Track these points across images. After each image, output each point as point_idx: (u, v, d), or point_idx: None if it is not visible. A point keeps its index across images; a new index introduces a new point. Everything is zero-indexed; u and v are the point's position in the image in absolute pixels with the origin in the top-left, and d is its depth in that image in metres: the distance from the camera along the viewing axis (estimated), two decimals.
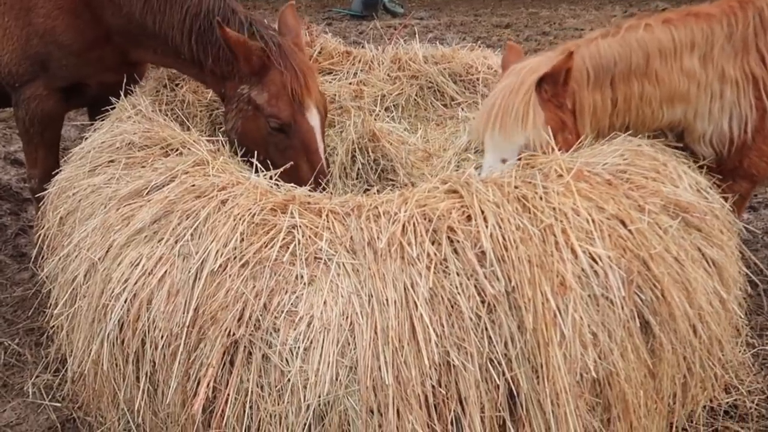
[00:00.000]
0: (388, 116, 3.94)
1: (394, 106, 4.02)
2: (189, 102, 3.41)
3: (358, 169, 2.97)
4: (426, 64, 4.11)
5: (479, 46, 4.39)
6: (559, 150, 2.23)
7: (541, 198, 1.89)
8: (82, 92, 3.26)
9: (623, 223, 1.90)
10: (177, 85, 3.44)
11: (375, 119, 3.26)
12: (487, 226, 1.78)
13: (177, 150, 2.52)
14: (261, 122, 2.77)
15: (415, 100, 4.07)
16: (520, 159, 2.25)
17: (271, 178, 2.31)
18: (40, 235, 2.59)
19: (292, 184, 2.58)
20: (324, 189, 2.75)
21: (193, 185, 2.20)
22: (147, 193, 2.23)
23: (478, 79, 3.94)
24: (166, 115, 3.14)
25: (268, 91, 2.74)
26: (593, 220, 1.86)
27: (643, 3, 16.88)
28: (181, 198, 2.14)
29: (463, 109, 3.94)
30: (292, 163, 2.73)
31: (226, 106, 2.91)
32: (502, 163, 2.37)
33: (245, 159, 2.83)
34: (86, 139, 2.83)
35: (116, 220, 2.18)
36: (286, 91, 2.73)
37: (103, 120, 2.93)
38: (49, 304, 2.47)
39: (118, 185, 2.34)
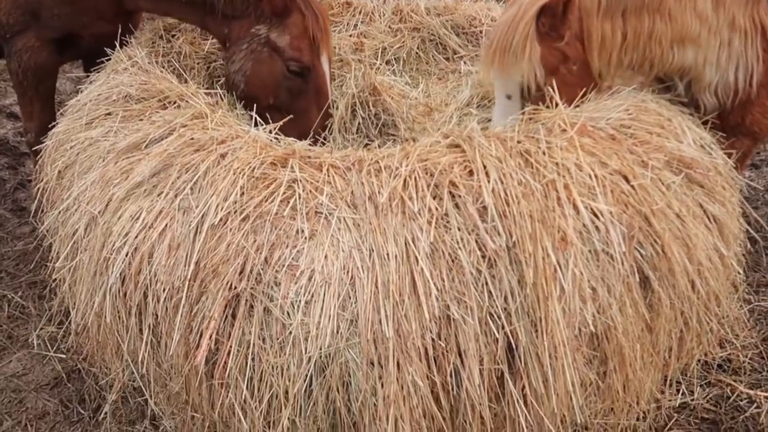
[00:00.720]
0: (389, 69, 3.86)
1: (395, 59, 3.94)
2: (186, 53, 3.33)
3: (359, 123, 2.93)
4: (428, 16, 4.01)
5: None
6: (562, 82, 2.25)
7: (543, 153, 1.87)
8: (76, 44, 3.17)
9: (626, 178, 1.89)
10: (173, 36, 3.36)
11: (376, 73, 3.20)
12: (489, 181, 1.77)
13: (175, 103, 2.48)
14: (277, 65, 2.73)
15: (417, 53, 3.98)
16: (525, 94, 2.27)
17: (270, 131, 2.28)
18: (38, 188, 2.58)
19: (293, 138, 2.60)
20: (327, 136, 2.77)
21: (192, 138, 2.17)
22: (145, 147, 2.21)
23: (481, 32, 3.84)
24: (163, 67, 3.07)
25: (290, 34, 2.71)
26: (596, 176, 1.84)
27: None
28: (180, 152, 2.11)
29: (465, 63, 3.87)
30: (291, 116, 2.72)
31: (231, 47, 2.83)
32: (508, 99, 2.36)
33: (246, 106, 2.83)
34: (82, 91, 2.78)
35: (115, 173, 2.16)
36: (307, 34, 2.71)
37: (98, 72, 2.87)
38: (50, 258, 2.48)
39: (116, 138, 2.31)
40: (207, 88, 3.50)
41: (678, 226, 1.91)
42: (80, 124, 2.51)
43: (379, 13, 4.08)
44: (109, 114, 2.48)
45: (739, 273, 2.27)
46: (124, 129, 2.34)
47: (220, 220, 1.86)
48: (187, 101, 2.47)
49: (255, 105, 2.83)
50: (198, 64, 3.41)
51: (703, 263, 1.99)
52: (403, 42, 3.97)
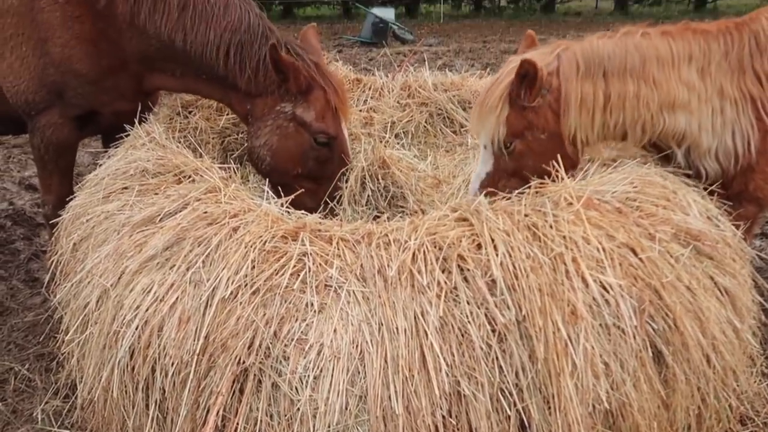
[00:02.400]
0: (398, 143, 3.98)
1: (403, 132, 4.07)
2: (201, 129, 3.46)
3: (368, 195, 2.99)
4: (435, 92, 4.17)
5: (488, 73, 4.44)
6: (526, 147, 2.44)
7: (551, 226, 1.89)
8: (96, 120, 3.31)
9: (634, 251, 1.90)
10: (190, 112, 3.50)
11: (385, 146, 3.29)
12: (497, 255, 1.78)
13: (190, 177, 2.55)
14: (304, 137, 2.89)
15: (425, 126, 4.12)
16: (502, 147, 2.47)
17: (282, 205, 2.33)
18: (53, 260, 2.62)
19: (311, 205, 2.70)
20: (337, 207, 2.87)
21: (206, 212, 2.22)
22: (160, 220, 2.26)
23: None
24: (179, 143, 3.19)
25: (314, 108, 2.88)
26: (604, 249, 1.86)
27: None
28: (193, 225, 2.16)
29: (472, 136, 3.97)
30: (312, 185, 2.92)
31: (255, 123, 2.97)
32: (485, 149, 2.59)
33: (270, 177, 2.99)
34: (100, 165, 2.88)
35: (129, 246, 2.20)
36: (330, 106, 2.89)
37: (116, 147, 2.98)
38: (60, 330, 2.48)
39: (132, 212, 2.37)
40: (221, 162, 3.62)
41: (689, 299, 1.90)
42: (97, 197, 2.58)
43: (388, 88, 4.25)
44: (125, 188, 2.55)
45: (755, 346, 2.23)
46: (139, 203, 2.40)
47: (231, 293, 1.87)
48: (201, 175, 2.54)
49: (280, 176, 2.98)
50: (213, 138, 3.53)
51: (717, 337, 1.96)
52: (412, 116, 4.11)
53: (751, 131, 2.47)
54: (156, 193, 2.47)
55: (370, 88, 4.24)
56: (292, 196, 2.46)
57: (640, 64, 2.38)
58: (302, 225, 2.07)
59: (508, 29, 18.46)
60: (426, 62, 4.95)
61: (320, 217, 2.34)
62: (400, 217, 3.00)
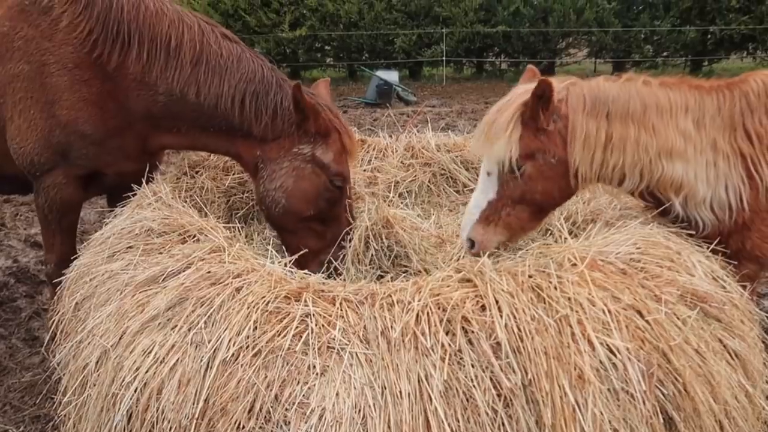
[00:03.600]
0: (401, 202, 4.02)
1: (407, 192, 4.11)
2: (208, 188, 3.50)
3: (372, 255, 2.99)
4: (438, 152, 4.23)
5: None
6: (537, 171, 2.41)
7: (555, 288, 1.88)
8: (100, 181, 3.36)
9: (640, 313, 1.88)
10: (197, 172, 3.55)
11: (389, 205, 3.32)
12: (501, 317, 1.77)
13: (194, 237, 2.57)
14: (321, 179, 2.96)
15: (428, 186, 4.16)
16: (505, 173, 2.43)
17: (285, 265, 2.33)
18: (54, 320, 2.60)
19: (306, 270, 2.69)
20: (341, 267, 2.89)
21: (209, 272, 2.22)
22: (163, 280, 2.26)
23: None
24: (185, 202, 3.22)
25: (333, 150, 2.97)
26: (609, 311, 1.84)
27: None
28: (196, 285, 2.15)
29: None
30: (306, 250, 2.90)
31: (267, 167, 3.02)
32: (488, 176, 2.53)
33: (280, 221, 3.05)
34: (107, 224, 2.90)
35: (131, 306, 2.19)
36: (345, 150, 3.00)
37: (122, 207, 3.01)
38: (58, 392, 2.44)
39: (135, 271, 2.37)
40: (226, 221, 3.65)
41: (698, 363, 1.87)
42: (102, 257, 2.58)
43: (392, 149, 4.32)
44: (130, 247, 2.57)
45: None
46: (143, 262, 2.41)
47: (232, 355, 1.85)
48: (206, 235, 2.56)
49: (292, 219, 3.01)
50: (218, 198, 3.57)
51: (730, 402, 1.91)
52: (415, 176, 4.16)
53: (743, 187, 2.50)
54: (160, 253, 2.48)
55: (374, 149, 4.31)
56: (296, 256, 2.48)
57: (641, 109, 2.42)
58: (305, 285, 2.07)
59: (508, 91, 18.81)
60: (429, 123, 5.05)
61: (324, 277, 2.34)
62: (404, 277, 2.99)
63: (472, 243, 2.58)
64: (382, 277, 2.91)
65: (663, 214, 2.61)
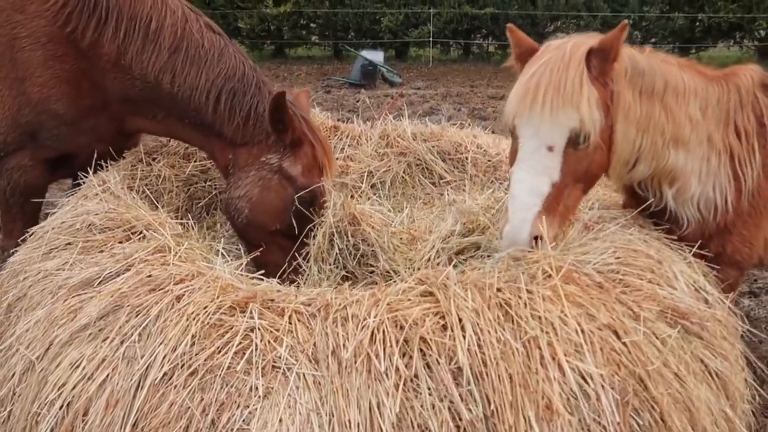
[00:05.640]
0: (374, 193, 3.82)
1: (380, 183, 3.91)
2: (165, 177, 3.28)
3: (336, 254, 2.79)
4: (415, 141, 4.03)
5: (474, 117, 4.32)
6: (601, 143, 2.01)
7: (525, 304, 1.71)
8: (70, 163, 3.11)
9: (616, 333, 1.72)
10: (154, 159, 3.32)
11: (360, 197, 3.11)
12: (464, 338, 1.59)
13: (140, 233, 2.36)
14: (287, 192, 2.78)
15: (403, 177, 3.96)
16: (571, 145, 1.99)
17: (237, 267, 2.14)
18: None
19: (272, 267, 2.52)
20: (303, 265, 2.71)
21: (149, 276, 2.02)
22: (99, 284, 2.05)
23: (467, 159, 3.84)
24: (138, 192, 3.00)
25: (302, 163, 2.79)
26: (583, 331, 1.68)
27: None
28: (133, 291, 1.95)
29: (450, 191, 3.82)
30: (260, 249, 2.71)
31: (235, 173, 2.85)
32: (549, 151, 2.01)
33: (244, 232, 2.86)
34: (49, 216, 2.67)
35: (62, 312, 1.99)
36: (316, 163, 2.81)
37: (68, 196, 2.79)
38: None
39: (71, 272, 2.16)
40: (185, 211, 3.43)
41: (677, 389, 1.72)
42: (38, 254, 2.37)
43: (366, 137, 4.11)
44: (69, 244, 2.35)
45: None
46: (80, 262, 2.20)
47: (165, 374, 1.66)
48: (153, 232, 2.35)
49: (255, 231, 2.82)
50: (177, 187, 3.34)
51: (708, 429, 1.76)
52: (389, 166, 3.96)
53: (728, 187, 2.35)
54: (101, 251, 2.27)
55: (347, 136, 4.09)
56: (250, 256, 2.28)
57: (662, 88, 2.19)
58: (252, 295, 1.87)
59: (495, 75, 18.64)
60: (406, 108, 4.84)
61: (278, 282, 2.15)
62: (370, 278, 2.81)
63: (536, 241, 2.01)
64: (347, 278, 2.73)
65: (643, 211, 2.44)
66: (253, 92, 2.77)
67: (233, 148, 2.82)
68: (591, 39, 2.13)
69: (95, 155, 2.96)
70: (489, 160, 3.72)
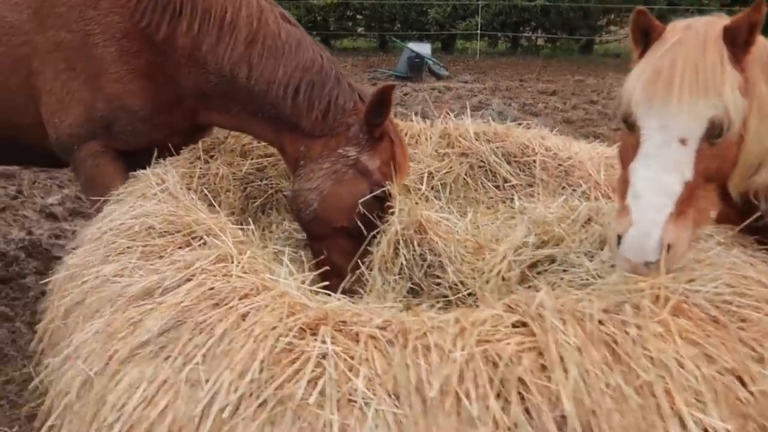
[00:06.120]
0: (434, 195, 3.64)
1: (441, 185, 3.72)
2: (223, 175, 3.17)
3: (402, 263, 2.63)
4: (477, 142, 3.82)
5: (525, 112, 4.07)
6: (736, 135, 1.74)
7: (634, 341, 1.50)
8: (150, 157, 3.02)
9: (741, 380, 1.50)
10: (212, 156, 3.21)
11: (424, 203, 2.93)
12: (568, 381, 1.40)
13: (201, 239, 2.23)
14: (361, 187, 2.67)
15: (464, 179, 3.76)
16: (708, 138, 1.72)
17: (303, 282, 1.99)
18: (42, 325, 2.31)
19: (326, 288, 2.40)
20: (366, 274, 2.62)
21: (212, 288, 1.89)
22: (159, 294, 1.93)
23: (534, 162, 3.61)
24: (197, 192, 2.90)
25: (380, 158, 2.69)
26: (703, 376, 1.46)
27: None
28: (196, 305, 1.83)
29: (516, 193, 3.61)
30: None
31: (308, 164, 2.74)
32: (681, 144, 1.74)
33: (309, 227, 2.74)
34: (104, 216, 2.58)
35: (122, 324, 1.88)
36: (395, 162, 2.71)
37: (123, 195, 2.69)
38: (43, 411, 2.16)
39: (130, 279, 2.05)
40: (241, 211, 3.32)
41: None
42: (96, 256, 2.27)
43: (426, 136, 3.92)
44: (128, 248, 2.25)
45: None
46: (140, 268, 2.09)
47: (232, 404, 1.52)
48: (214, 238, 2.23)
49: (321, 226, 2.70)
50: (234, 185, 3.24)
51: None
52: (451, 167, 3.76)
53: None
54: (161, 257, 2.16)
55: (406, 134, 3.91)
56: (318, 272, 2.15)
57: None
58: (323, 315, 1.72)
59: (545, 69, 18.14)
60: (460, 100, 4.62)
61: (348, 298, 2.00)
62: (436, 288, 2.64)
63: (668, 248, 1.74)
64: (413, 290, 2.56)
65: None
66: (332, 84, 2.67)
67: (307, 140, 2.72)
68: (721, 19, 1.87)
69: (157, 151, 2.89)
70: (560, 165, 3.48)
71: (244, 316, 1.74)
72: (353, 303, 1.99)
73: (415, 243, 2.64)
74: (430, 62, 15.48)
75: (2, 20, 2.95)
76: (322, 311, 1.76)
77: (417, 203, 2.77)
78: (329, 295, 2.02)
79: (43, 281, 4.55)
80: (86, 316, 2.07)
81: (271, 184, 3.48)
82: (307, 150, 2.72)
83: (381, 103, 2.59)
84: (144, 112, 2.88)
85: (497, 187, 3.73)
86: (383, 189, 2.66)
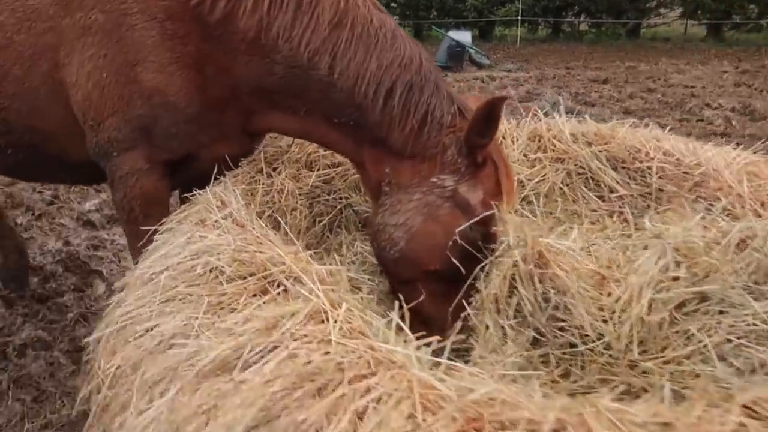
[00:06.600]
0: (525, 209, 3.12)
1: (534, 195, 3.19)
2: (288, 191, 2.70)
3: (517, 303, 2.12)
4: (575, 144, 3.28)
5: (578, 102, 3.47)
6: None
7: None
8: (190, 167, 2.58)
9: None
10: (275, 169, 2.75)
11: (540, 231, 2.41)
12: None
13: (279, 286, 1.77)
14: (458, 224, 2.13)
15: (561, 189, 3.23)
16: None
17: (434, 353, 1.50)
18: (86, 394, 1.87)
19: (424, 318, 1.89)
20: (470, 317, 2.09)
21: (308, 363, 1.42)
22: (239, 369, 1.47)
23: (649, 169, 3.05)
24: (262, 212, 2.44)
25: (483, 189, 2.16)
26: None
27: (754, 59, 15.58)
28: (291, 391, 1.35)
29: (625, 204, 3.06)
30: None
31: (393, 194, 2.23)
32: None
33: (392, 267, 2.26)
34: (157, 248, 2.14)
35: (191, 412, 1.42)
36: (499, 190, 2.19)
37: (177, 221, 2.24)
38: None
39: (197, 342, 1.59)
40: (306, 229, 2.86)
41: None
42: (152, 307, 1.82)
43: (512, 137, 3.39)
44: (190, 295, 1.79)
45: None
46: (208, 327, 1.63)
47: None
48: (294, 282, 1.75)
49: (408, 269, 2.22)
50: (300, 203, 2.76)
51: None
52: (544, 175, 3.23)
53: None
54: (233, 309, 1.70)
55: None
56: (448, 343, 1.64)
57: None
58: (478, 416, 1.22)
59: (591, 55, 17.35)
60: (506, 90, 4.03)
61: (494, 377, 1.50)
62: (560, 336, 2.12)
63: None
64: (537, 341, 2.05)
65: None
66: (432, 91, 2.13)
67: (394, 159, 2.20)
68: None
69: (215, 163, 2.42)
70: (684, 173, 2.92)
71: (361, 415, 1.25)
72: (490, 379, 1.49)
73: (535, 279, 2.13)
74: (471, 51, 14.88)
75: (23, 3, 2.50)
76: (470, 407, 1.27)
77: (534, 228, 2.24)
78: (455, 361, 1.53)
79: (82, 300, 4.20)
80: (142, 389, 1.62)
81: (340, 197, 3.01)
82: (393, 173, 2.21)
83: (488, 119, 2.04)
84: (190, 109, 2.38)
85: (601, 197, 3.18)
86: (487, 227, 2.15)
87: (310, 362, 1.42)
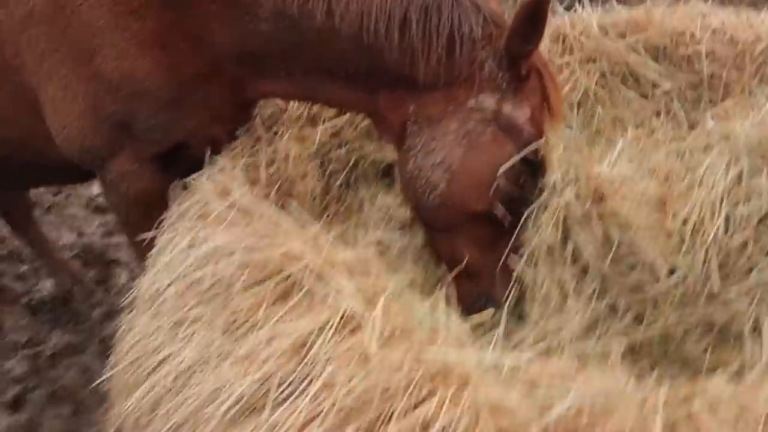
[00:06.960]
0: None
1: (567, 107, 2.82)
2: (294, 156, 2.38)
3: (574, 250, 1.83)
4: (606, 38, 2.84)
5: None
6: None
7: None
8: (185, 155, 2.24)
9: None
10: (276, 133, 2.41)
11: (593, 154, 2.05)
12: None
13: (301, 287, 1.49)
14: (506, 150, 1.84)
15: (596, 93, 2.84)
16: None
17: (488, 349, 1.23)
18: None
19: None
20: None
21: (350, 393, 1.17)
22: (271, 408, 1.23)
23: (698, 53, 2.62)
24: (270, 190, 2.15)
25: (530, 105, 1.86)
26: None
27: None
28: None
29: (673, 100, 2.68)
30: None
31: (423, 131, 1.90)
32: None
33: (432, 217, 1.97)
34: (159, 254, 1.87)
35: None
36: (546, 105, 1.90)
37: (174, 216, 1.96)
38: None
39: (218, 377, 1.36)
40: (323, 192, 2.57)
41: None
42: (162, 332, 1.58)
43: None
44: (201, 315, 1.54)
45: None
46: (226, 356, 1.38)
47: None
48: (318, 281, 1.48)
49: (452, 214, 1.92)
50: (311, 167, 2.45)
51: None
52: (576, 80, 2.83)
53: None
54: (252, 326, 1.45)
55: None
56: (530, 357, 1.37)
57: None
58: None
59: None
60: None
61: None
62: (624, 278, 1.83)
63: None
64: (613, 308, 1.77)
65: None
66: (451, 5, 1.76)
67: (419, 95, 1.87)
68: None
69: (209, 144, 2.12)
70: (741, 52, 2.49)
71: None
72: (568, 366, 1.23)
73: (592, 218, 1.82)
74: None
75: None
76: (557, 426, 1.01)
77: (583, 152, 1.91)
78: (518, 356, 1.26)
79: (105, 294, 4.05)
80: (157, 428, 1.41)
81: (352, 148, 2.67)
82: (420, 109, 1.86)
83: (533, 20, 1.70)
84: (167, 95, 2.03)
85: (644, 95, 2.79)
86: (537, 146, 1.83)
87: (350, 393, 1.17)
